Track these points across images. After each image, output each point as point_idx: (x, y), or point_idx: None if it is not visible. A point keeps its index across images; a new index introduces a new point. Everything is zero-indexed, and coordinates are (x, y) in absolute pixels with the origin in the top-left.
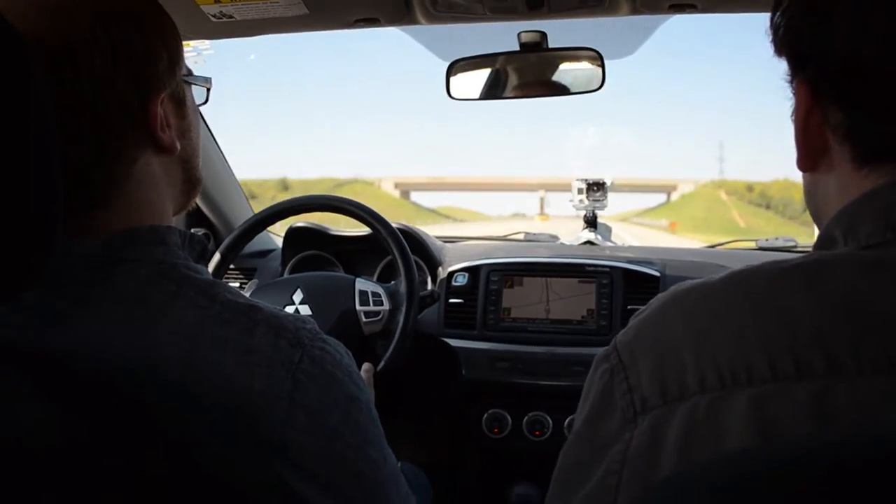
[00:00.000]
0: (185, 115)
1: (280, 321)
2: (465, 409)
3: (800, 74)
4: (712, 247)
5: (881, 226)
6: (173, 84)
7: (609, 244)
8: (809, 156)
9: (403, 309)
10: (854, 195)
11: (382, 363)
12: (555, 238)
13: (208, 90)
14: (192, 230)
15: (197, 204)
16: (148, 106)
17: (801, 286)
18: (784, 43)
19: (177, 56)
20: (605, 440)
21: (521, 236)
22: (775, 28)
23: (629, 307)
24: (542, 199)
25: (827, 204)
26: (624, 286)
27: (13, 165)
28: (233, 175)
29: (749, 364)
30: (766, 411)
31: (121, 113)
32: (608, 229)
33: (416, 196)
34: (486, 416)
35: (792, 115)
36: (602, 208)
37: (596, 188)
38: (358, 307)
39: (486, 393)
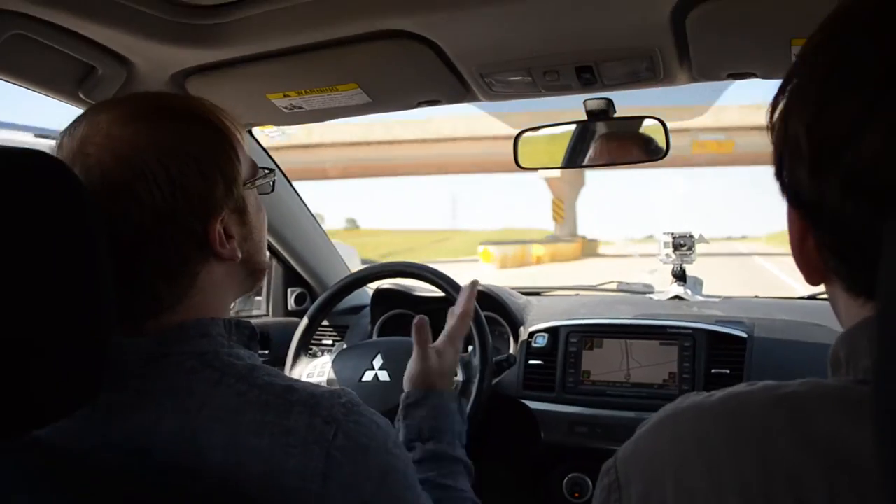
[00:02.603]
0: (246, 221)
1: (316, 399)
2: (546, 472)
3: (789, 202)
4: (812, 297)
5: None
6: (231, 202)
7: (699, 299)
8: (813, 275)
9: (476, 381)
10: (855, 319)
11: None
12: (649, 288)
13: (273, 181)
14: (289, 290)
15: (293, 265)
16: (207, 228)
17: (786, 423)
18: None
19: (233, 178)
20: None
21: (613, 286)
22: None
23: (713, 371)
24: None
25: (841, 318)
26: (708, 348)
27: (67, 298)
28: (324, 235)
29: (721, 501)
30: None
31: (182, 238)
32: (698, 282)
33: None
34: (566, 480)
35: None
36: (690, 262)
37: (683, 242)
38: None
39: (565, 457)
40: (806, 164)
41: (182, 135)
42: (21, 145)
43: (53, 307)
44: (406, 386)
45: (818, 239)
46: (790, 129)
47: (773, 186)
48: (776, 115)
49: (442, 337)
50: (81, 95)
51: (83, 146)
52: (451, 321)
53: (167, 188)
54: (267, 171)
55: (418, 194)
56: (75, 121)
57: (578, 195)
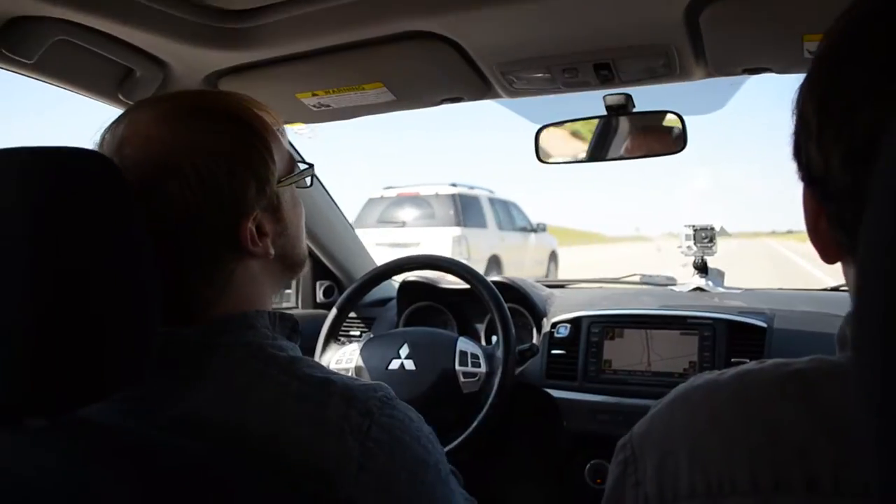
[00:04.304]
0: (281, 217)
1: (352, 392)
2: (569, 458)
3: (803, 182)
4: (835, 289)
5: None
6: (263, 202)
7: (720, 290)
8: (828, 253)
9: (499, 371)
10: None
11: (473, 426)
12: (671, 280)
13: (313, 175)
14: (318, 282)
15: (322, 260)
16: (238, 228)
17: (795, 397)
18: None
19: (266, 178)
20: None
21: (636, 278)
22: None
23: (733, 360)
24: None
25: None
26: (728, 338)
27: (116, 286)
28: (352, 232)
29: (733, 475)
30: None
31: (213, 237)
32: (720, 274)
33: None
34: (588, 466)
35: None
36: (711, 254)
37: (704, 234)
38: (457, 367)
39: (587, 444)
40: (814, 140)
41: (215, 135)
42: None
43: (105, 294)
44: None
45: (829, 216)
46: (805, 111)
47: None
48: (795, 104)
49: None
50: (121, 97)
51: (122, 146)
52: None
53: (198, 189)
54: (305, 167)
55: None
56: (117, 119)
57: None
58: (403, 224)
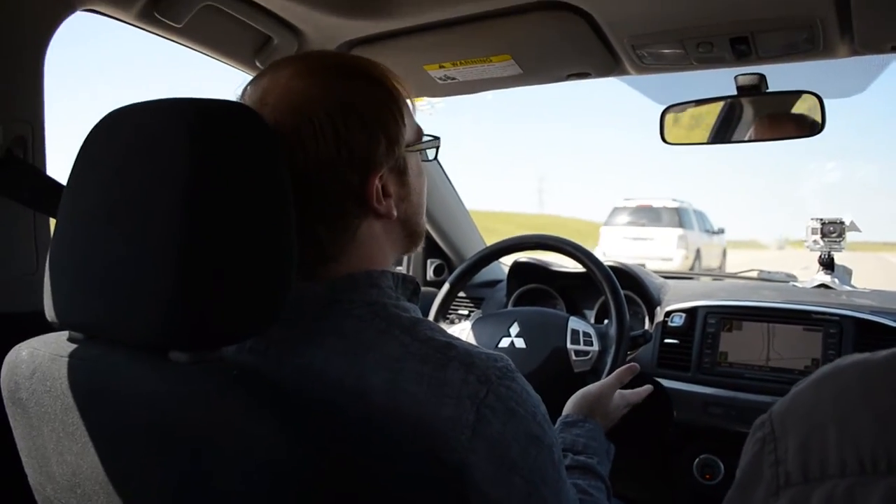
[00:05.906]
0: (406, 182)
1: (472, 358)
2: (676, 450)
3: None
4: None
5: None
6: (391, 161)
7: (847, 288)
8: None
9: (612, 351)
10: None
11: None
12: (791, 277)
13: (437, 147)
14: (429, 261)
15: (434, 237)
16: (365, 183)
17: None
18: None
19: (396, 138)
20: None
21: (754, 274)
22: None
23: None
24: None
25: None
26: (855, 337)
27: (262, 233)
28: (465, 212)
29: (890, 452)
30: None
31: (342, 190)
32: (847, 272)
33: None
34: (697, 460)
35: None
36: (839, 250)
37: (832, 228)
38: (569, 345)
39: (697, 437)
40: None
41: (351, 92)
42: None
43: (251, 241)
44: (567, 407)
45: None
46: None
47: None
48: None
49: (619, 392)
50: (258, 64)
51: (264, 97)
52: (631, 390)
53: (332, 140)
54: (432, 138)
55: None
56: (259, 74)
57: None
58: (644, 225)
